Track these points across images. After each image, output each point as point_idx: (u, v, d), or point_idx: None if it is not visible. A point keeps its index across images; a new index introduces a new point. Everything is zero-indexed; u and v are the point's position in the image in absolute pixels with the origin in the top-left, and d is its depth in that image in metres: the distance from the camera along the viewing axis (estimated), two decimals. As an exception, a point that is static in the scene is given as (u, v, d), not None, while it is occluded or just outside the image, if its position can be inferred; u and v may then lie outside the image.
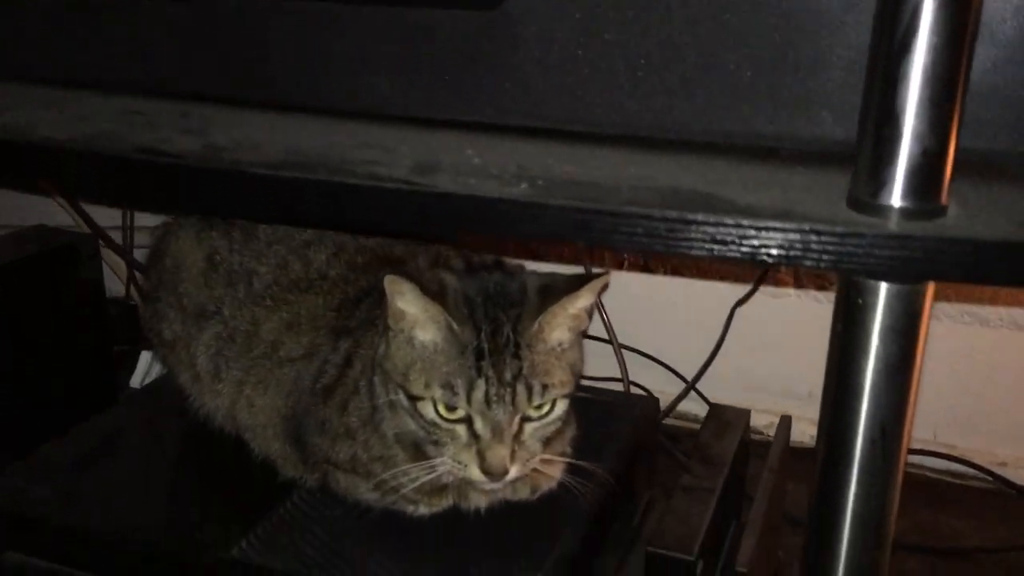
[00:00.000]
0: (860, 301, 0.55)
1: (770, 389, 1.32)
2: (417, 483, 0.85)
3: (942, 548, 1.07)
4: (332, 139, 0.68)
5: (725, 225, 0.54)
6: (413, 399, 0.81)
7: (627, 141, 0.67)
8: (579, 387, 0.86)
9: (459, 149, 0.66)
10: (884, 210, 0.53)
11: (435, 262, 0.89)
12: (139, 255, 1.31)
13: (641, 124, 0.66)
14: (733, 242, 0.54)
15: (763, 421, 1.33)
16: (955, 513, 1.15)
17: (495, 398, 0.78)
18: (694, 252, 0.55)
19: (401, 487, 0.87)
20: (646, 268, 1.36)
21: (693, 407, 1.38)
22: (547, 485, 0.93)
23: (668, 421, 1.35)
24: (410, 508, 0.89)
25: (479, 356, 0.78)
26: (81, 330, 1.25)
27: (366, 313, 0.90)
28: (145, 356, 1.27)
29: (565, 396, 0.82)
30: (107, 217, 1.47)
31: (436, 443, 0.81)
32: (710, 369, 1.34)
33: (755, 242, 0.54)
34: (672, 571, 0.79)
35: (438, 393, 0.79)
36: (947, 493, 1.20)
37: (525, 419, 0.80)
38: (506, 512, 0.91)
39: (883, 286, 0.54)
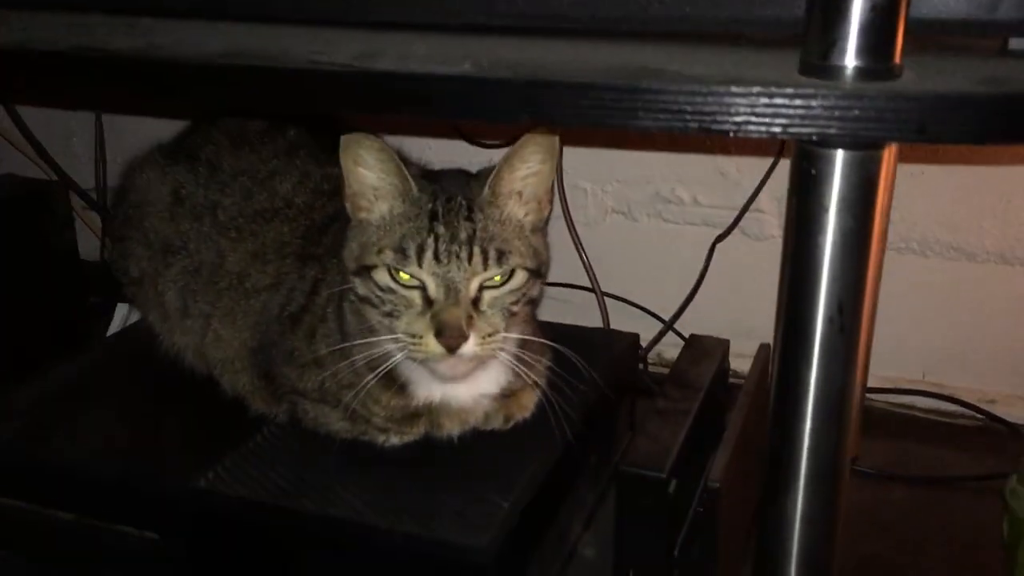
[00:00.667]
0: (813, 172, 0.53)
1: (753, 335, 1.30)
2: (379, 395, 0.84)
3: (928, 477, 1.05)
4: (276, 40, 0.67)
5: (671, 92, 0.52)
6: (368, 270, 0.78)
7: (580, 34, 0.65)
8: (544, 276, 0.83)
9: (406, 43, 0.64)
10: (836, 71, 0.51)
11: None
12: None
13: (595, 17, 0.64)
14: (682, 111, 0.52)
15: (744, 366, 1.31)
16: (944, 448, 1.13)
17: (445, 255, 0.75)
18: (643, 123, 0.53)
19: (371, 415, 0.85)
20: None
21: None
22: (521, 415, 0.91)
23: (654, 369, 1.33)
24: (381, 438, 0.87)
25: (432, 217, 0.76)
26: (53, 277, 1.23)
27: (333, 239, 0.89)
28: (121, 309, 1.26)
29: (526, 269, 0.78)
30: (81, 180, 1.47)
31: (390, 315, 0.78)
32: (693, 314, 1.32)
33: (704, 110, 0.52)
34: (644, 489, 0.78)
35: (390, 257, 0.76)
36: (936, 430, 1.19)
37: (485, 288, 0.77)
38: (479, 441, 0.89)
39: (838, 154, 0.52)
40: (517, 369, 0.85)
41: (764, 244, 1.31)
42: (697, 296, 1.32)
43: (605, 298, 1.32)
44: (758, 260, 1.31)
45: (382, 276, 0.77)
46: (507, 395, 0.89)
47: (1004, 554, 0.90)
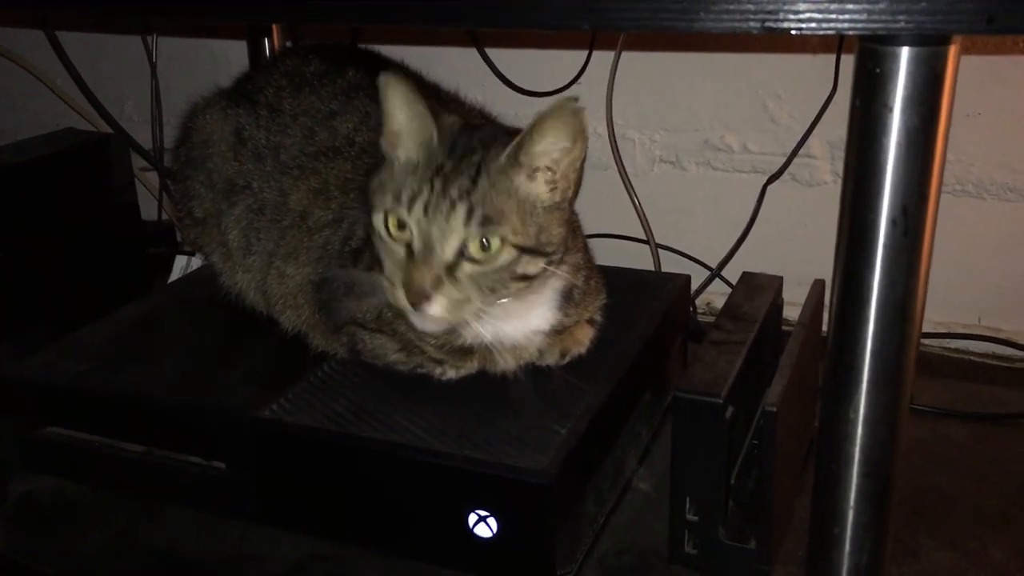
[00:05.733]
0: (878, 71, 0.53)
1: (803, 282, 1.29)
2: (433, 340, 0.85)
3: (985, 414, 1.05)
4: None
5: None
6: (373, 211, 0.79)
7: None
8: (551, 256, 0.79)
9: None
10: (900, -36, 0.51)
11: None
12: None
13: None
14: (743, 9, 0.52)
15: (794, 314, 1.30)
16: (1000, 387, 1.13)
17: (432, 208, 0.75)
18: (704, 24, 0.53)
19: (425, 346, 0.87)
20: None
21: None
22: (577, 350, 0.93)
23: (701, 318, 1.33)
24: (437, 371, 0.89)
25: (437, 171, 0.76)
26: (115, 229, 1.26)
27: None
28: (180, 260, 1.29)
29: (517, 247, 0.76)
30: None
31: (380, 260, 0.80)
32: (741, 263, 1.31)
33: (766, 8, 0.52)
34: (700, 414, 0.78)
35: (388, 201, 0.77)
36: (993, 373, 1.18)
37: (467, 258, 0.76)
38: (535, 375, 0.90)
39: (902, 52, 0.52)
40: (564, 309, 0.87)
41: (815, 190, 1.30)
42: (746, 244, 1.31)
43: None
44: (809, 207, 1.30)
45: (378, 220, 0.78)
46: (561, 331, 0.90)
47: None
